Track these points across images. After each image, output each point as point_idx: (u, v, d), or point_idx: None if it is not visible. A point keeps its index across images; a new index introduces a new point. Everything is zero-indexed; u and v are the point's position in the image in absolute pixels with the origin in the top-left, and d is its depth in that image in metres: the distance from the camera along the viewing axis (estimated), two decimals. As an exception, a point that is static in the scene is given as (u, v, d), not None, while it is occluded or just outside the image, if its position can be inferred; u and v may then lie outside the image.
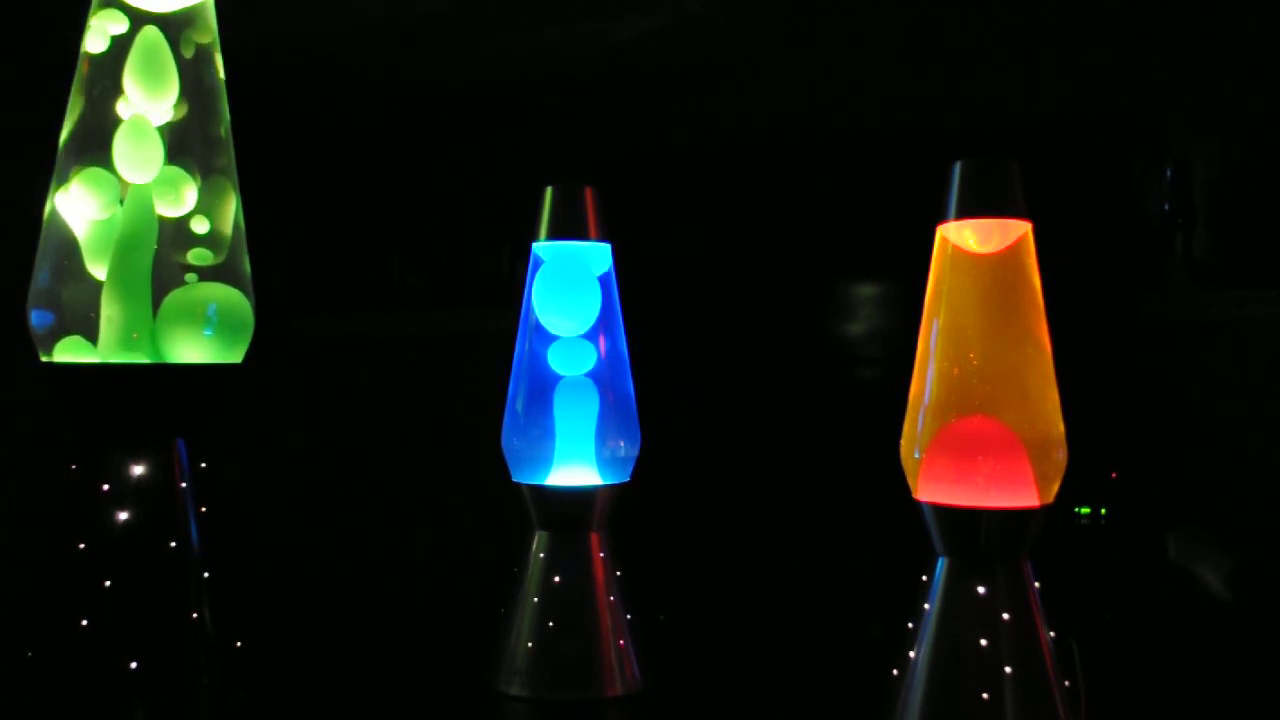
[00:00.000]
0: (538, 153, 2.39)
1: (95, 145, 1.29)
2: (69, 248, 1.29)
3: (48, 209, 1.31)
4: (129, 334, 1.26)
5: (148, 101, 1.28)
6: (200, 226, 1.30)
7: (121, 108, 1.29)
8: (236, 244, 1.35)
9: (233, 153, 1.36)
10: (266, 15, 1.87)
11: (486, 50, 2.14)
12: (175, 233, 1.30)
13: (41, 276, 1.29)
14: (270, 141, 1.84)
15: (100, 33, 1.30)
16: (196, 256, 1.30)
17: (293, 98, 2.36)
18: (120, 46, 1.30)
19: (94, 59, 1.30)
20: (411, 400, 2.45)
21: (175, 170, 1.30)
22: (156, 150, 1.28)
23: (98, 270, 1.28)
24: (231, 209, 1.34)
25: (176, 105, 1.30)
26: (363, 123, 2.50)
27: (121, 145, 1.27)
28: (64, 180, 1.30)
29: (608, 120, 2.32)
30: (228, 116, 1.36)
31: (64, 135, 1.31)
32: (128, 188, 1.28)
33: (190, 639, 1.27)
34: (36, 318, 1.29)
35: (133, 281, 1.25)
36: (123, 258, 1.26)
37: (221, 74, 1.37)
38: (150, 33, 1.29)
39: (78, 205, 1.28)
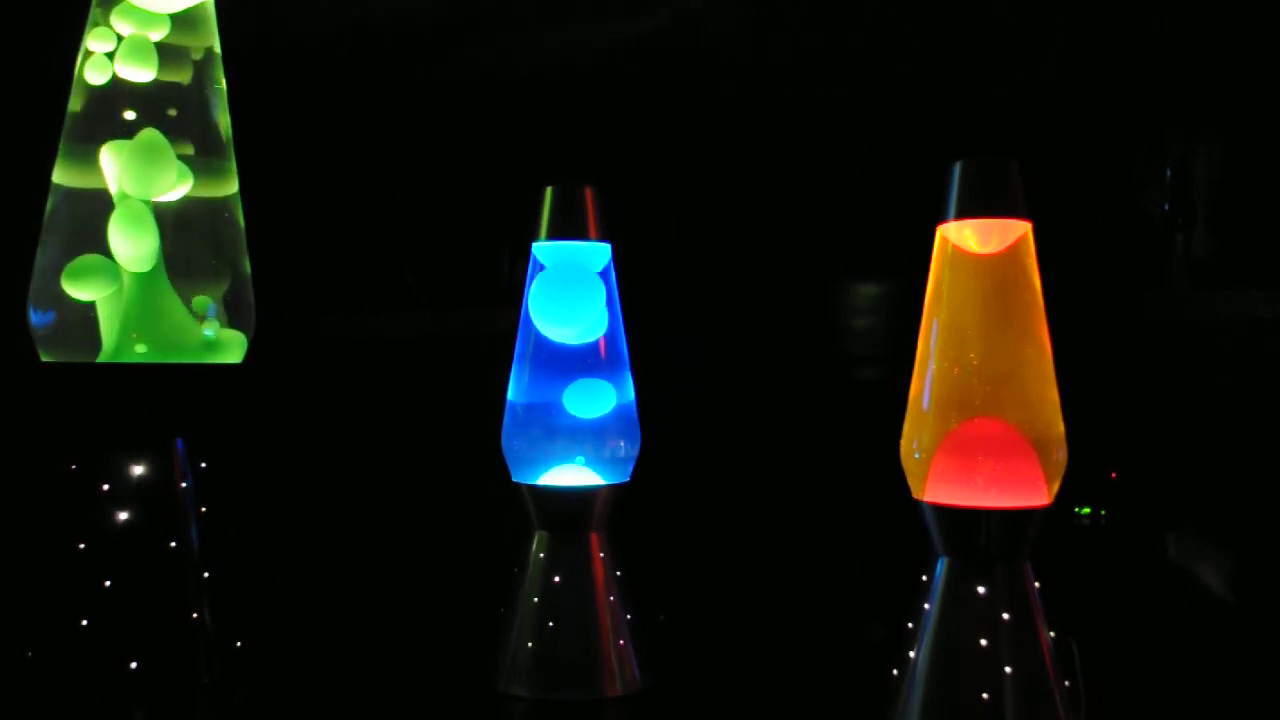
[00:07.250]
0: (538, 153, 2.39)
1: (94, 147, 1.29)
2: (68, 248, 1.29)
3: (48, 209, 1.31)
4: (129, 334, 1.26)
5: (145, 194, 1.27)
6: (210, 331, 1.31)
7: (120, 113, 1.29)
8: (238, 245, 1.35)
9: (241, 221, 1.36)
10: (266, 15, 1.87)
11: (487, 50, 2.14)
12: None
13: (41, 276, 1.29)
14: (270, 141, 1.84)
15: (99, 57, 1.29)
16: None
17: (292, 97, 2.36)
18: (118, 59, 1.29)
19: (92, 69, 1.30)
20: (411, 400, 2.45)
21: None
22: (153, 238, 1.27)
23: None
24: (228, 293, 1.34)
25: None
26: (363, 123, 2.50)
27: (117, 231, 1.26)
28: (58, 191, 1.30)
29: (608, 120, 2.32)
30: (233, 166, 1.36)
31: (63, 138, 1.31)
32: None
33: (190, 639, 1.27)
34: (36, 318, 1.29)
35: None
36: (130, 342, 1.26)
37: (228, 125, 1.35)
38: (150, 133, 1.27)
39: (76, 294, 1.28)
